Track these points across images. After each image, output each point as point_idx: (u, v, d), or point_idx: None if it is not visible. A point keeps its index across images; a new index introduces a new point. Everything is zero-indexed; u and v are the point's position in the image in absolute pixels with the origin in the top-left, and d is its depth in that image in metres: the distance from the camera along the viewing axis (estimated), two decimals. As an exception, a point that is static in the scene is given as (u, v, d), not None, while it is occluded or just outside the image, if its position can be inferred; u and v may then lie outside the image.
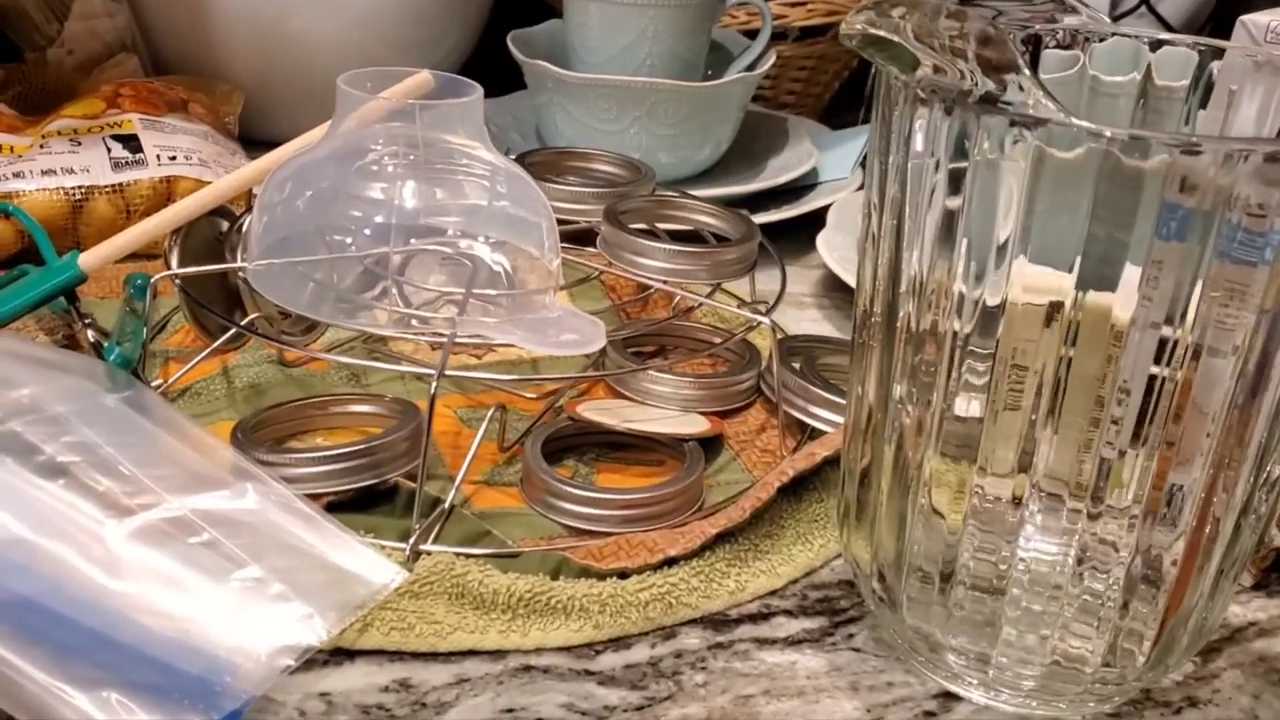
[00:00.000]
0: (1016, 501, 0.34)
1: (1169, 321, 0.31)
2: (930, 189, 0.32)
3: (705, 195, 0.66)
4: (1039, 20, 0.39)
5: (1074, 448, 0.33)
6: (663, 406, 0.50)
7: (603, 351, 0.51)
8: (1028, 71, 0.30)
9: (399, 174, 0.46)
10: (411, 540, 0.40)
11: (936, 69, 0.31)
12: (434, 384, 0.41)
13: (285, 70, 0.76)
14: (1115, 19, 0.73)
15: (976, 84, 0.31)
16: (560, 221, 0.49)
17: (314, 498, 0.41)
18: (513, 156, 0.58)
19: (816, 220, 0.69)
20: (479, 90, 0.46)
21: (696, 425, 0.48)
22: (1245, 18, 0.40)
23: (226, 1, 0.73)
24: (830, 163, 0.75)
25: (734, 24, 0.79)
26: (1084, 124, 0.29)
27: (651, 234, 0.54)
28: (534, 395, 0.51)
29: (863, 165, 0.76)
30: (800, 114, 0.85)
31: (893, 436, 0.36)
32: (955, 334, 0.33)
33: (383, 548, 0.40)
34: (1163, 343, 0.31)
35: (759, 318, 0.48)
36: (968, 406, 0.34)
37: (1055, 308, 0.31)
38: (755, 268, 0.53)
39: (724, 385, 0.51)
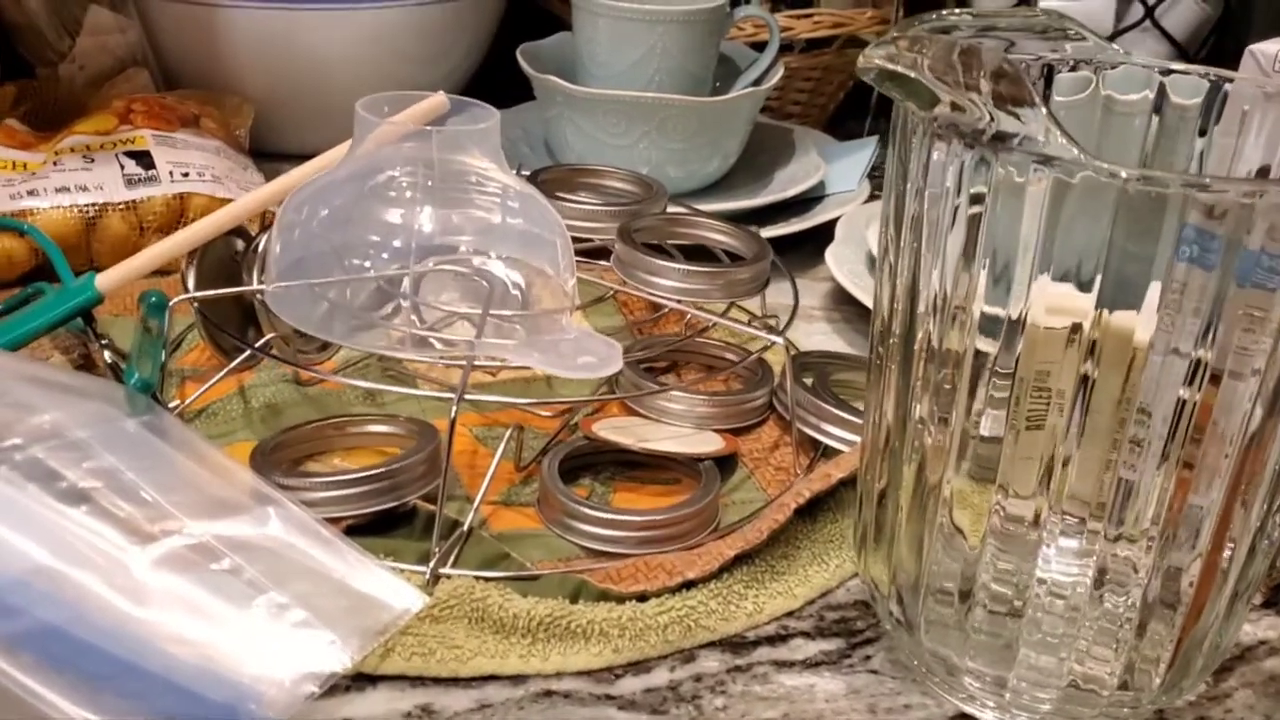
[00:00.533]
0: (1037, 522, 0.34)
1: (1189, 344, 0.31)
2: (950, 210, 0.33)
3: (714, 209, 0.66)
4: (1050, 49, 0.39)
5: (1095, 468, 0.33)
6: (677, 424, 0.50)
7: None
8: (1044, 109, 0.31)
9: (417, 198, 0.46)
10: (431, 564, 0.41)
11: (954, 106, 0.32)
12: (454, 408, 0.41)
13: (295, 84, 0.76)
14: (1119, 33, 0.73)
15: (992, 119, 0.31)
16: (573, 239, 0.50)
17: (333, 521, 0.41)
18: (523, 170, 0.59)
19: (823, 231, 0.69)
20: (496, 115, 0.47)
21: (711, 444, 0.48)
22: (1254, 47, 0.41)
23: (236, 16, 0.73)
24: (837, 175, 0.76)
25: (741, 36, 0.79)
26: (1099, 164, 0.30)
27: (664, 252, 0.54)
28: (549, 414, 0.51)
29: (870, 177, 0.76)
30: (805, 124, 0.85)
31: (912, 457, 0.36)
32: (976, 353, 0.33)
33: (402, 571, 0.40)
34: (1183, 365, 0.32)
35: (773, 338, 0.48)
36: (989, 426, 0.34)
37: (1076, 328, 0.32)
38: (768, 285, 0.53)
39: (737, 403, 0.51)
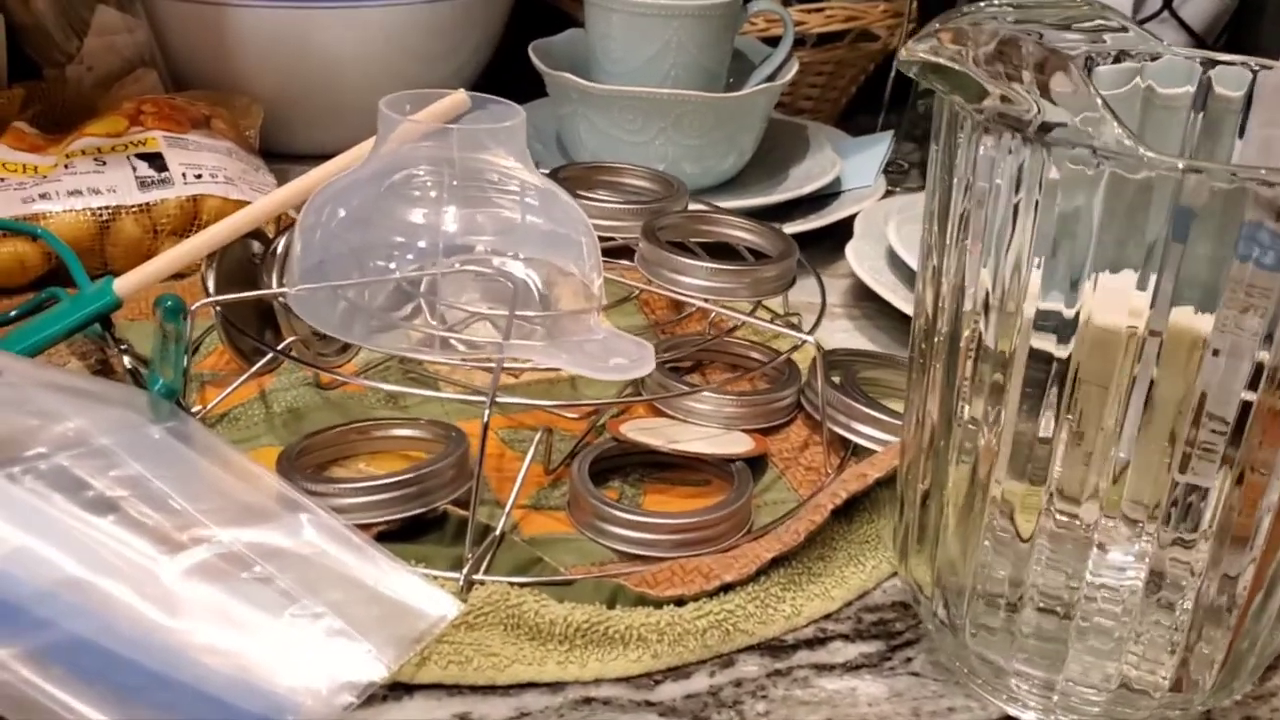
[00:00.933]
0: (1091, 524, 0.33)
1: (1252, 346, 0.30)
2: (1002, 205, 0.32)
3: (731, 206, 0.66)
4: (1090, 40, 0.38)
5: (1152, 470, 0.32)
6: (705, 424, 0.50)
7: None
8: (1100, 98, 0.30)
9: (442, 197, 0.45)
10: (465, 570, 0.40)
11: (1003, 99, 0.31)
12: (487, 412, 0.40)
13: (304, 83, 0.75)
14: (1140, 23, 0.73)
15: (1041, 111, 0.31)
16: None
17: (363, 527, 0.41)
18: (541, 170, 0.58)
19: (839, 227, 0.69)
20: (521, 114, 0.46)
21: (742, 444, 0.48)
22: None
23: (245, 15, 0.72)
24: (853, 170, 0.75)
25: (753, 31, 0.78)
26: (1156, 156, 0.29)
27: (688, 250, 0.53)
28: (575, 415, 0.50)
29: (885, 172, 0.76)
30: (817, 118, 0.84)
31: (959, 457, 0.35)
32: (1031, 353, 0.33)
33: (435, 578, 0.40)
34: (1246, 367, 0.31)
35: (804, 336, 0.48)
36: (1044, 426, 0.33)
37: (1134, 327, 0.31)
38: (795, 283, 0.52)
39: (765, 402, 0.51)
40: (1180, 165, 0.29)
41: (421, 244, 0.45)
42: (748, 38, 0.78)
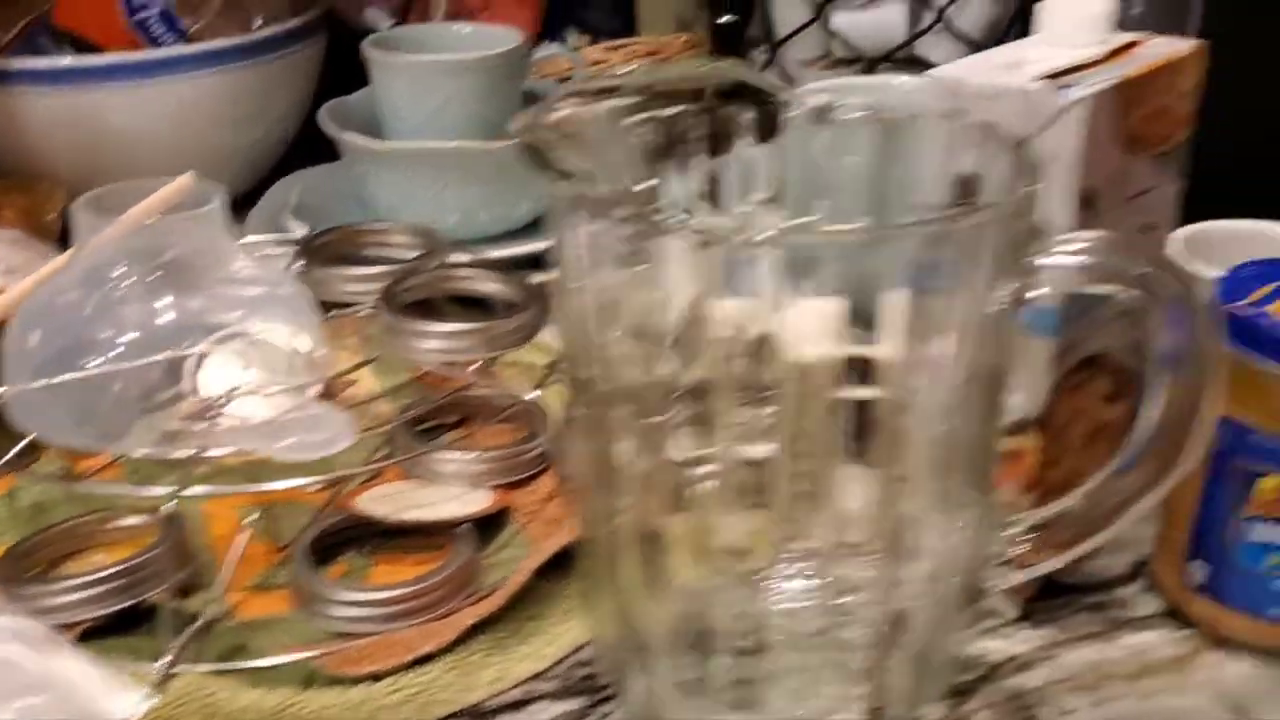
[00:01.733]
0: (751, 554, 0.34)
1: (865, 348, 0.31)
2: (577, 275, 0.33)
3: (528, 251, 0.67)
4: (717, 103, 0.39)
5: (802, 487, 0.33)
6: (451, 485, 0.50)
7: (394, 432, 0.51)
8: (650, 194, 0.31)
9: (147, 292, 0.46)
10: (160, 663, 0.40)
11: (574, 178, 0.32)
12: (171, 505, 0.41)
13: (109, 163, 0.75)
14: (914, 38, 0.74)
15: (616, 195, 0.32)
16: (345, 304, 0.50)
17: (69, 627, 0.41)
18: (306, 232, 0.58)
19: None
20: (217, 199, 0.47)
21: (477, 504, 0.48)
22: (932, 73, 0.41)
23: (35, 101, 0.72)
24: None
25: (555, 73, 0.79)
26: (702, 232, 0.30)
27: (435, 309, 0.54)
28: (317, 487, 0.51)
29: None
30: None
31: (615, 502, 0.36)
32: (653, 385, 0.33)
33: (134, 674, 0.40)
34: (869, 370, 0.31)
35: (522, 395, 0.48)
36: (683, 457, 0.34)
37: (751, 345, 0.31)
38: (539, 332, 0.53)
39: (512, 456, 0.51)
40: (762, 237, 0.30)
41: (134, 334, 0.46)
42: (549, 81, 0.79)
